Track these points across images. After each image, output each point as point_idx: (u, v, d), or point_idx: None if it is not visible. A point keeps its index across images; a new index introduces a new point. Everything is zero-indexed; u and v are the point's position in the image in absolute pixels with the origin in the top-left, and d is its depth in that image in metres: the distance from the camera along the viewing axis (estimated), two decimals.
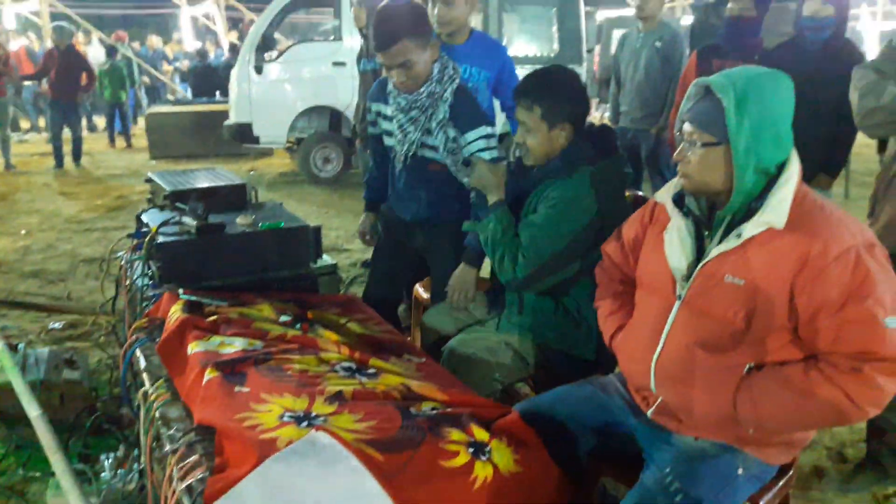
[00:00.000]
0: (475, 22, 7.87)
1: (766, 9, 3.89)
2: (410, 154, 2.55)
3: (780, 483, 1.73)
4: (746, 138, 1.50)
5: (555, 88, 2.15)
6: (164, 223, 2.44)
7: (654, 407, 1.71)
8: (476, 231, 2.33)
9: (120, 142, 11.79)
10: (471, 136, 2.45)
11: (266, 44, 7.97)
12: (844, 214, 1.54)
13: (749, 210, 1.56)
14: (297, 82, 8.02)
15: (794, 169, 1.55)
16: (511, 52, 7.96)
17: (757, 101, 1.51)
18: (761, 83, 1.53)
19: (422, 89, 2.43)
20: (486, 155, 2.43)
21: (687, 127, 1.60)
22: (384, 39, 2.33)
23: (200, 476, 1.46)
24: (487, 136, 2.46)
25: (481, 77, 3.12)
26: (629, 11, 5.93)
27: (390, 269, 2.91)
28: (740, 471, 1.61)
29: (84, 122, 11.56)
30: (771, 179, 1.55)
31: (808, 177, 3.57)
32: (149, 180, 3.16)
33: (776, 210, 1.51)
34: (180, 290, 2.23)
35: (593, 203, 2.12)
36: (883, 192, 2.28)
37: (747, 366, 1.56)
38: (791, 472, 1.77)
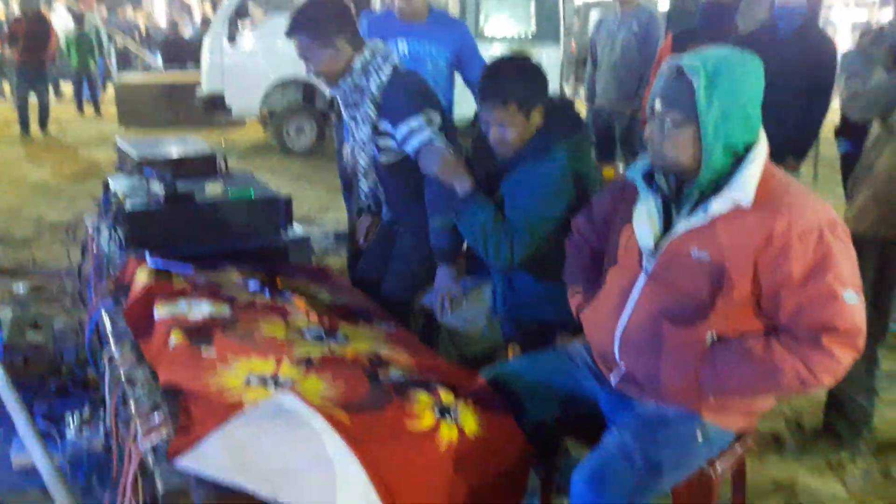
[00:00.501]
0: (453, 2, 7.83)
1: None
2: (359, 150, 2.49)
3: (738, 448, 1.78)
4: (715, 118, 1.52)
5: (520, 78, 2.10)
6: (131, 190, 2.41)
7: (618, 375, 1.75)
8: (446, 226, 2.28)
9: (89, 110, 11.56)
10: (403, 128, 2.31)
11: (240, 13, 7.84)
12: (809, 193, 1.58)
13: (717, 187, 1.58)
14: (270, 53, 7.90)
15: (761, 149, 1.58)
16: (488, 32, 8.01)
17: (727, 81, 1.53)
18: (732, 64, 1.55)
19: (339, 83, 2.38)
20: (417, 143, 2.30)
21: (658, 105, 1.62)
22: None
23: (165, 436, 1.47)
24: (419, 129, 2.30)
25: (441, 55, 3.10)
26: None
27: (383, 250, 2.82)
28: (699, 436, 1.65)
29: (50, 88, 11.32)
30: (739, 158, 1.58)
31: (775, 159, 3.65)
32: (117, 147, 3.12)
33: (743, 188, 1.54)
34: (147, 256, 2.21)
35: (581, 174, 2.12)
36: (862, 175, 2.32)
37: (710, 337, 1.60)
38: (748, 439, 1.82)
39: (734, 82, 1.53)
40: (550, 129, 2.16)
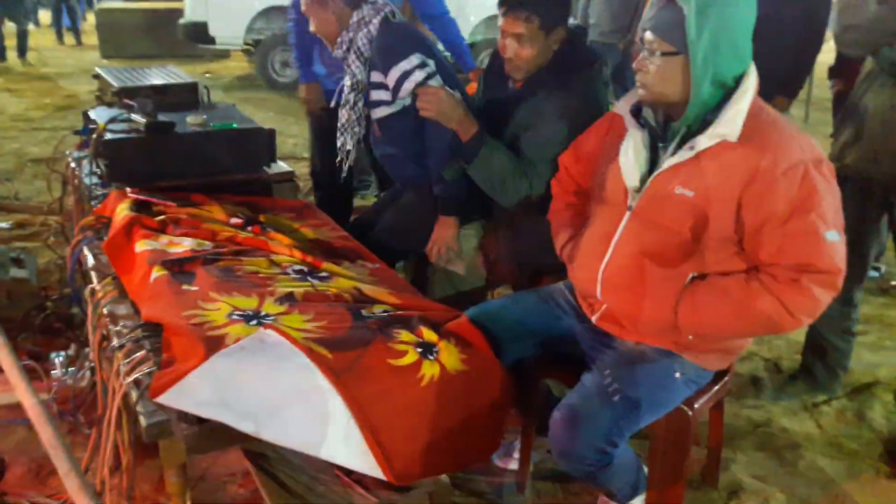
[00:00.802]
0: None
1: None
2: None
3: (716, 388, 1.81)
4: (705, 48, 1.49)
5: None
6: (111, 120, 2.35)
7: (598, 313, 1.76)
8: (456, 176, 2.22)
9: (69, 38, 11.25)
10: (394, 73, 2.23)
11: None
12: (796, 130, 1.56)
13: (704, 123, 1.56)
14: None
15: (750, 82, 1.55)
16: None
17: (718, 11, 1.49)
18: None
19: (338, 42, 2.34)
20: (411, 86, 2.22)
21: (648, 35, 1.58)
22: None
23: (147, 370, 1.47)
24: (411, 70, 2.22)
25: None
26: None
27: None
28: (678, 375, 1.68)
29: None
30: (728, 92, 1.55)
31: (766, 97, 3.59)
32: (97, 76, 3.03)
33: (730, 123, 1.52)
34: (128, 189, 2.18)
35: (595, 109, 2.06)
36: (847, 114, 2.30)
37: (690, 275, 1.60)
38: (726, 379, 1.85)
39: (725, 11, 1.49)
40: (567, 58, 2.11)
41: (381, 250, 2.28)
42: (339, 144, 2.52)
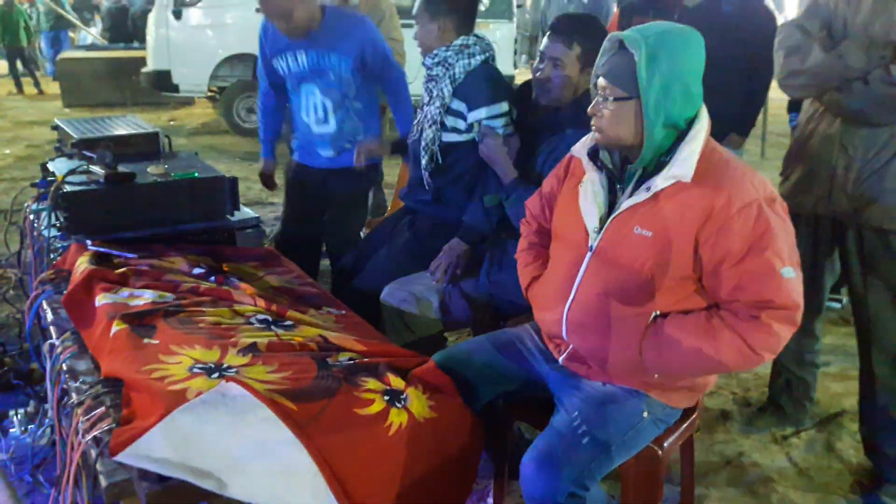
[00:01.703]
0: None
1: None
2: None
3: (684, 426, 1.81)
4: (656, 93, 1.53)
5: (594, 33, 2.12)
6: (70, 171, 2.33)
7: (565, 353, 1.76)
8: (492, 205, 2.33)
9: (29, 88, 11.17)
10: (480, 111, 2.38)
11: None
12: (748, 169, 1.60)
13: (659, 164, 1.60)
14: (218, 28, 7.71)
15: (702, 124, 1.59)
16: None
17: (668, 56, 1.53)
18: (673, 39, 1.56)
19: (431, 53, 2.45)
20: (486, 127, 2.37)
21: (600, 81, 1.62)
22: None
23: (107, 427, 1.43)
24: (493, 117, 2.38)
25: (343, 64, 2.82)
26: None
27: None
28: (645, 414, 1.68)
29: None
30: (680, 134, 1.59)
31: (719, 137, 3.68)
32: (56, 127, 3.01)
33: (684, 164, 1.55)
34: (88, 242, 2.14)
35: None
36: (796, 151, 2.36)
37: (653, 314, 1.61)
38: (694, 416, 1.86)
39: (675, 57, 1.54)
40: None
41: (366, 294, 2.35)
42: (423, 164, 2.54)
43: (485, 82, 2.40)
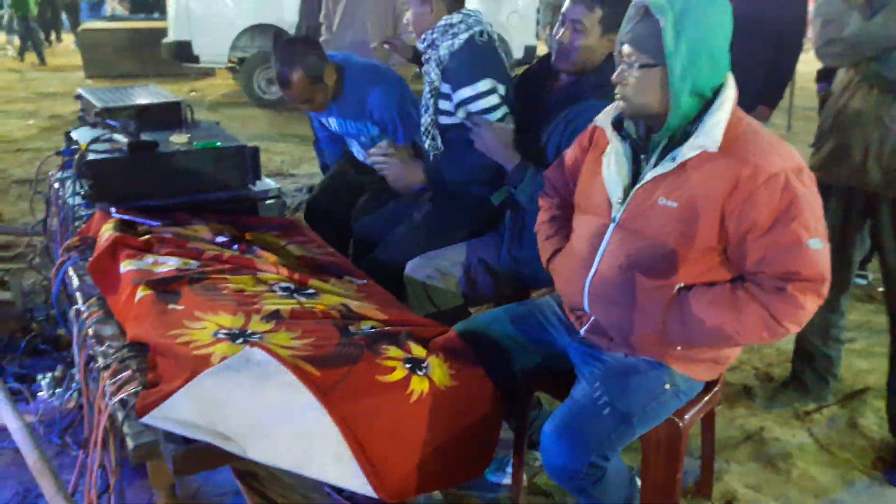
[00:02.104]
0: None
1: None
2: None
3: (706, 398, 1.80)
4: (682, 60, 1.50)
5: None
6: (94, 140, 2.34)
7: (587, 325, 1.76)
8: (502, 198, 2.28)
9: (51, 59, 11.26)
10: (463, 91, 2.30)
11: None
12: (776, 139, 1.57)
13: (684, 133, 1.57)
14: None
15: (729, 93, 1.56)
16: None
17: (694, 22, 1.50)
18: (700, 5, 1.52)
19: (424, 36, 2.40)
20: (493, 115, 2.29)
21: (625, 48, 1.59)
22: None
23: (133, 391, 1.45)
24: (476, 96, 2.29)
25: (369, 129, 2.84)
26: None
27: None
28: (667, 386, 1.67)
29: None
30: (707, 103, 1.56)
31: (746, 108, 3.61)
32: (79, 97, 3.03)
33: (710, 133, 1.52)
34: (112, 209, 2.16)
35: None
36: (829, 122, 2.31)
37: (677, 286, 1.60)
38: (716, 389, 1.85)
39: (702, 23, 1.50)
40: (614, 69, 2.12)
41: (386, 266, 2.35)
42: (427, 146, 2.55)
43: (466, 61, 2.32)
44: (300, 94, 2.69)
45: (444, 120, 2.44)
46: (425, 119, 2.48)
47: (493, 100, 2.30)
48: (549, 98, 2.24)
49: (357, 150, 3.06)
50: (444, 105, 2.41)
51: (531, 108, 2.29)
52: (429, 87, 2.43)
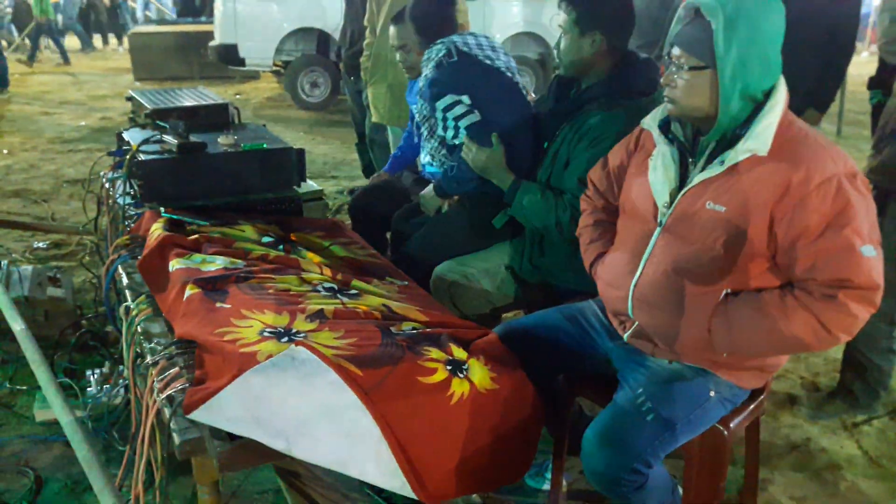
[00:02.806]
0: None
1: None
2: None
3: (751, 407, 1.77)
4: (733, 63, 1.48)
5: None
6: (144, 141, 2.40)
7: (630, 330, 1.74)
8: (504, 220, 2.37)
9: (87, 62, 11.55)
10: (440, 104, 2.41)
11: None
12: (828, 143, 1.53)
13: (734, 137, 1.55)
14: (283, 2, 7.80)
15: (780, 96, 1.54)
16: None
17: (746, 24, 1.48)
18: (751, 6, 1.50)
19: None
20: (464, 122, 2.38)
21: (675, 50, 1.58)
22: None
23: (181, 387, 1.48)
24: (446, 110, 2.41)
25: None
26: None
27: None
28: (712, 393, 1.65)
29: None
30: (757, 106, 1.54)
31: (796, 112, 3.53)
32: (130, 98, 3.10)
33: (760, 137, 1.50)
34: (161, 209, 2.21)
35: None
36: (891, 128, 2.25)
37: (724, 292, 1.57)
38: (762, 397, 1.82)
39: (754, 25, 1.48)
40: (621, 81, 2.14)
41: (416, 263, 2.40)
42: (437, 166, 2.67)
43: (429, 87, 2.45)
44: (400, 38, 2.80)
45: (450, 141, 2.54)
46: (431, 144, 2.61)
47: (458, 110, 2.40)
48: (563, 107, 2.26)
49: (424, 156, 2.98)
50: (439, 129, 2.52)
51: (552, 116, 2.31)
52: (419, 117, 2.60)
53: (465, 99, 2.39)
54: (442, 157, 2.62)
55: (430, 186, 2.63)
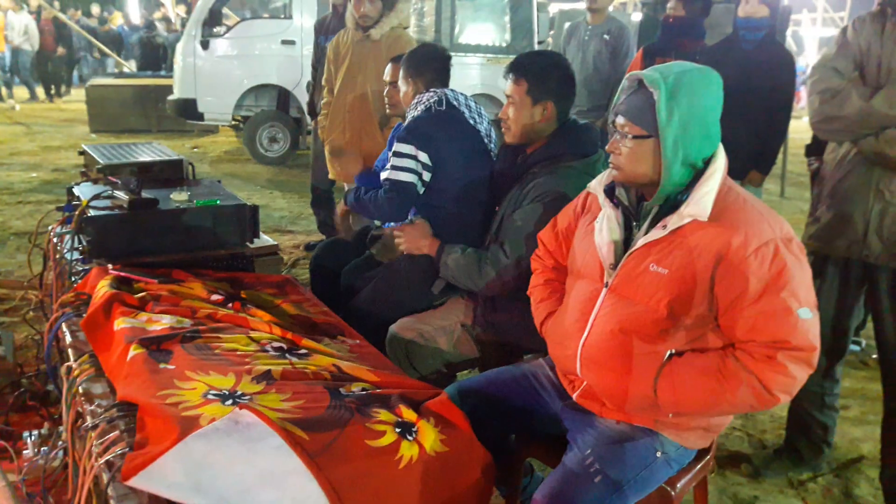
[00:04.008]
0: (426, 8, 7.85)
1: (698, 9, 4.04)
2: None
3: (698, 467, 1.79)
4: (675, 131, 1.54)
5: (544, 67, 2.23)
6: (95, 196, 2.37)
7: (579, 390, 1.75)
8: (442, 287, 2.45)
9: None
10: (397, 147, 2.52)
11: (213, 19, 7.78)
12: (765, 208, 1.60)
13: (676, 202, 1.60)
14: (244, 59, 7.86)
15: (720, 164, 1.60)
16: (462, 40, 8.02)
17: (687, 95, 1.55)
18: (692, 78, 1.57)
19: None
20: (400, 175, 2.48)
21: (619, 119, 1.64)
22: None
23: (120, 452, 1.44)
24: (403, 156, 2.49)
25: None
26: (582, 5, 6.02)
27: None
28: (659, 454, 1.66)
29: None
30: (697, 173, 1.60)
31: (740, 174, 3.66)
32: (83, 153, 3.08)
33: (700, 203, 1.55)
34: (109, 265, 2.18)
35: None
36: (826, 194, 2.34)
37: (668, 352, 1.60)
38: (709, 457, 1.84)
39: (694, 96, 1.55)
40: (564, 145, 2.23)
41: (368, 318, 2.40)
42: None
43: (409, 124, 2.57)
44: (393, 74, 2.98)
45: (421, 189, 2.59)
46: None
47: (408, 163, 2.48)
48: (511, 171, 2.34)
49: None
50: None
51: (502, 181, 2.39)
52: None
53: (423, 157, 2.47)
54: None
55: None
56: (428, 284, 2.50)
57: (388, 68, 3.05)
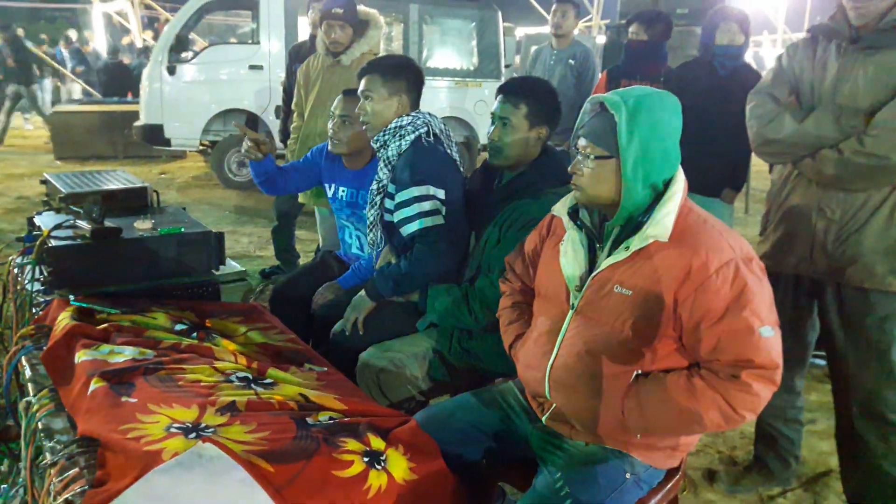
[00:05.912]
0: (394, 32, 7.90)
1: (660, 33, 4.12)
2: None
3: (668, 486, 1.79)
4: (635, 152, 1.57)
5: (541, 92, 2.26)
6: (56, 226, 2.33)
7: (548, 412, 1.75)
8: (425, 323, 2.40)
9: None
10: (399, 196, 2.37)
11: (180, 44, 7.74)
12: (725, 229, 1.62)
13: (637, 224, 1.62)
14: (211, 84, 7.81)
15: (679, 186, 1.62)
16: (430, 64, 8.07)
17: (647, 118, 1.58)
18: (651, 102, 1.60)
19: (380, 132, 2.46)
20: (425, 221, 2.33)
21: (581, 141, 1.66)
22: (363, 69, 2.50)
23: (80, 490, 1.40)
24: (418, 199, 2.34)
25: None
26: (548, 29, 6.12)
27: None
28: (628, 475, 1.66)
29: None
30: (658, 195, 1.62)
31: (715, 191, 3.71)
32: (44, 181, 3.03)
33: (661, 224, 1.57)
34: (71, 297, 2.14)
35: None
36: (774, 214, 2.39)
37: (635, 373, 1.61)
38: (678, 476, 1.84)
39: (654, 119, 1.58)
40: (542, 172, 2.25)
41: (340, 347, 2.36)
42: (368, 240, 2.62)
43: (409, 165, 2.38)
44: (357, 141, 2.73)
45: (388, 217, 2.49)
46: (372, 213, 2.55)
47: (427, 206, 2.35)
48: (490, 197, 2.33)
49: (349, 236, 2.98)
50: (389, 204, 2.46)
51: (477, 207, 2.37)
52: (377, 185, 2.51)
53: (441, 194, 2.34)
54: (375, 236, 2.56)
55: (362, 292, 2.47)
56: (403, 313, 2.46)
57: (339, 101, 2.76)
